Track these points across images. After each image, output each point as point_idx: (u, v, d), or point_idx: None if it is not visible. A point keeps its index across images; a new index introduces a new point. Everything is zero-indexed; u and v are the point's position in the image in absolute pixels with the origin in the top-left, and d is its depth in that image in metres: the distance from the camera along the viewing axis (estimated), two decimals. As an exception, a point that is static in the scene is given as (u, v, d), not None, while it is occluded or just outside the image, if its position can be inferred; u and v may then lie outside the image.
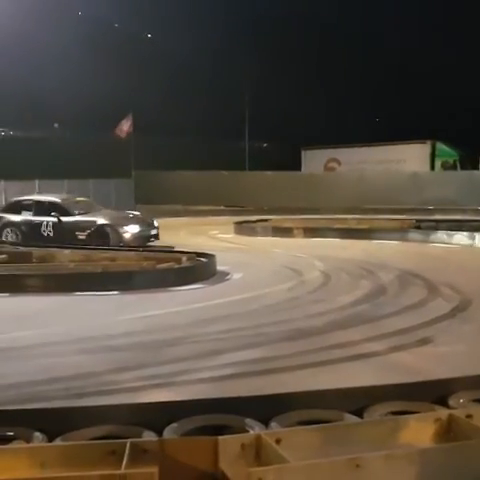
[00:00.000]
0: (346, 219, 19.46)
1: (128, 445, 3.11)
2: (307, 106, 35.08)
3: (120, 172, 26.73)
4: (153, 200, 25.77)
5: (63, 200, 15.39)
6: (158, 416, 3.72)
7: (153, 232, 14.95)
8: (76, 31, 28.43)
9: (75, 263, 10.81)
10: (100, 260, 11.13)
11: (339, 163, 32.95)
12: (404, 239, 15.64)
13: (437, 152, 30.87)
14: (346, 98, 34.62)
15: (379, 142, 31.30)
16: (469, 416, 3.51)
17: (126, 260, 11.23)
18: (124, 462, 2.96)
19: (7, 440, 3.43)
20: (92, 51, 29.13)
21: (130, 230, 14.37)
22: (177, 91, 33.24)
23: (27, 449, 3.22)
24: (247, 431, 3.59)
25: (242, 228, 18.15)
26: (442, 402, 4.00)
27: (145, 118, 28.26)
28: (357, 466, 2.91)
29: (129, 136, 26.79)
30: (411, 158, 30.12)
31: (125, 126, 26.53)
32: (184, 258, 11.06)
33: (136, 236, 14.33)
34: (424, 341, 6.38)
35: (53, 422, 3.58)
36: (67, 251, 11.88)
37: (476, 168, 27.73)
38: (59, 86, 25.96)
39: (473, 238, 14.81)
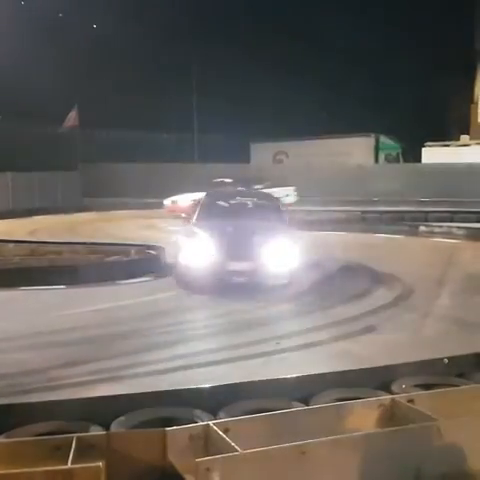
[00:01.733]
0: (294, 211, 19.65)
1: (74, 440, 3.08)
2: (256, 99, 35.21)
3: (66, 165, 26.21)
4: (101, 193, 25.39)
5: None
6: (105, 410, 3.70)
7: None
8: (19, 20, 27.60)
9: (20, 257, 10.57)
10: (46, 254, 10.91)
11: (287, 156, 33.23)
12: (349, 230, 15.93)
13: (380, 145, 31.53)
14: (294, 92, 34.91)
15: (325, 135, 31.70)
16: (411, 401, 3.63)
17: (73, 253, 11.05)
18: (70, 457, 2.93)
19: None
20: (36, 41, 28.40)
21: None
22: (123, 83, 32.75)
23: (-30, 447, 3.15)
24: (196, 422, 3.61)
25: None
26: (385, 388, 4.12)
27: (91, 110, 27.75)
28: (303, 453, 2.96)
29: (75, 128, 26.29)
30: (356, 151, 30.63)
31: (71, 118, 26.04)
32: (133, 251, 10.96)
33: None
34: (369, 329, 6.53)
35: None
36: (11, 245, 11.61)
37: (418, 161, 28.43)
38: (1, 77, 25.18)
39: (415, 228, 15.22)
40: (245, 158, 33.24)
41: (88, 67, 30.94)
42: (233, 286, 8.32)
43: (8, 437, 3.37)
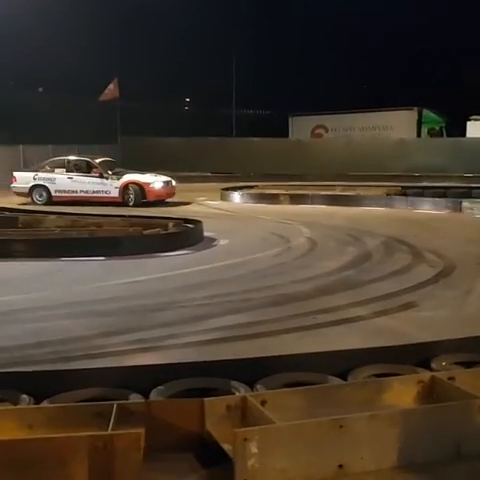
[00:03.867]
0: (333, 186, 19.46)
1: (115, 407, 3.14)
2: (294, 73, 34.77)
3: (106, 138, 26.42)
4: (140, 166, 25.55)
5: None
6: (145, 379, 3.76)
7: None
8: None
9: (61, 228, 10.75)
10: (86, 226, 11.07)
11: (326, 130, 32.78)
12: (390, 206, 15.70)
13: (424, 119, 30.79)
14: (333, 65, 34.30)
15: (366, 109, 31.12)
16: (451, 378, 3.58)
17: (112, 226, 11.17)
18: (111, 423, 2.99)
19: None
20: (75, 13, 28.48)
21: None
22: (164, 57, 32.69)
23: (14, 411, 3.24)
24: (233, 394, 3.64)
25: (229, 194, 18.09)
26: (425, 365, 4.07)
27: (132, 83, 27.83)
28: (340, 427, 2.96)
29: (115, 101, 26.40)
30: (398, 125, 30.01)
31: (111, 91, 26.14)
32: (171, 224, 11.03)
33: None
34: (408, 306, 6.46)
35: (40, 385, 3.61)
36: (53, 216, 11.80)
37: (462, 135, 27.70)
38: (42, 50, 25.40)
39: (458, 204, 14.90)
40: (285, 132, 32.96)
41: (130, 39, 30.88)
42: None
43: (51, 402, 3.46)
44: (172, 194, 17.02)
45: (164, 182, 16.92)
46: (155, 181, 16.72)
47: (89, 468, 2.78)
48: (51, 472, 2.74)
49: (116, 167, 17.52)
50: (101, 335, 5.51)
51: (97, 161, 16.94)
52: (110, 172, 16.69)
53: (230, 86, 34.52)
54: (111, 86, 26.13)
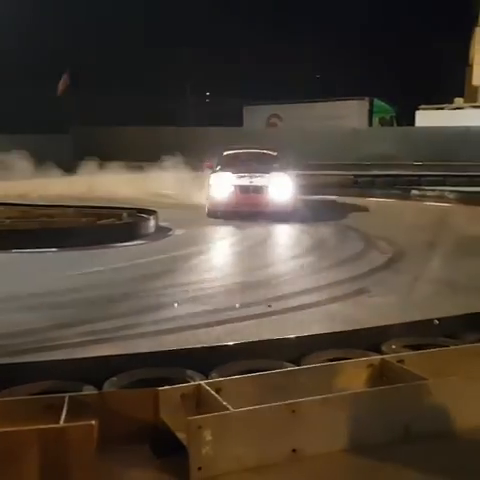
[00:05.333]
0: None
1: (67, 399, 3.10)
2: (249, 63, 34.77)
3: (59, 128, 25.92)
4: (94, 156, 25.15)
5: None
6: (98, 371, 3.72)
7: None
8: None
9: (11, 220, 10.52)
10: (38, 216, 10.86)
11: (280, 119, 32.91)
12: (342, 194, 15.89)
13: (375, 109, 31.26)
14: (289, 55, 34.45)
15: (319, 99, 31.37)
16: (400, 361, 3.66)
17: (65, 216, 11.00)
18: (62, 416, 2.95)
19: None
20: (27, 4, 27.74)
21: None
22: (115, 46, 32.19)
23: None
24: (188, 382, 3.64)
25: (186, 184, 17.97)
26: (376, 349, 4.16)
27: (84, 73, 27.36)
28: (293, 411, 3.00)
29: (67, 91, 25.92)
30: (350, 115, 30.35)
31: (63, 81, 25.67)
32: (125, 214, 10.93)
33: None
34: (360, 292, 6.57)
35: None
36: (1, 207, 11.53)
37: (411, 124, 28.23)
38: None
39: (408, 192, 15.21)
40: (239, 122, 32.92)
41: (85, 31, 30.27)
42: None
43: (1, 396, 3.39)
44: None
45: None
46: None
47: (41, 462, 2.74)
48: (1, 467, 2.69)
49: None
50: (55, 327, 5.41)
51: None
52: None
53: (183, 75, 34.30)
54: (64, 77, 25.64)
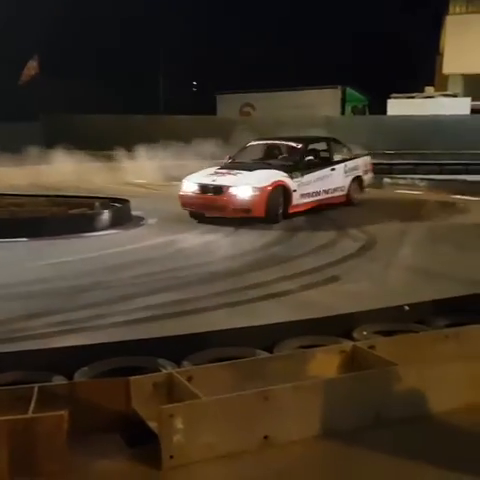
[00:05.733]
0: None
1: (36, 389, 3.06)
2: (222, 51, 34.57)
3: (27, 115, 25.46)
4: (65, 145, 24.79)
5: None
6: (68, 361, 3.68)
7: None
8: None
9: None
10: (6, 206, 10.68)
11: (254, 108, 32.83)
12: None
13: (347, 97, 31.38)
14: (263, 43, 34.33)
15: (292, 87, 31.37)
16: (371, 347, 3.70)
17: (35, 206, 10.83)
18: (32, 407, 2.92)
19: None
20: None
21: None
22: (87, 32, 31.68)
23: None
24: (160, 371, 3.62)
25: (157, 173, 17.87)
26: (347, 335, 4.19)
27: (53, 59, 26.87)
28: (265, 398, 3.01)
29: (36, 77, 25.46)
30: (322, 103, 30.42)
31: (31, 68, 25.19)
32: (97, 203, 10.80)
33: None
34: (333, 279, 6.61)
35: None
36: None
37: (383, 113, 28.40)
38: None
39: (379, 180, 15.32)
40: (212, 110, 32.75)
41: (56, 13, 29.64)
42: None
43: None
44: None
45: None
46: None
47: (10, 453, 2.71)
48: (-31, 459, 2.65)
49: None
50: (24, 318, 5.35)
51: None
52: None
53: (156, 62, 33.96)
54: (31, 63, 25.14)
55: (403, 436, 3.10)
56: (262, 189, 9.93)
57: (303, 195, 10.70)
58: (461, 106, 25.41)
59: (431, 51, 31.46)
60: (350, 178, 11.96)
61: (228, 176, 10.40)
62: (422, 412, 3.27)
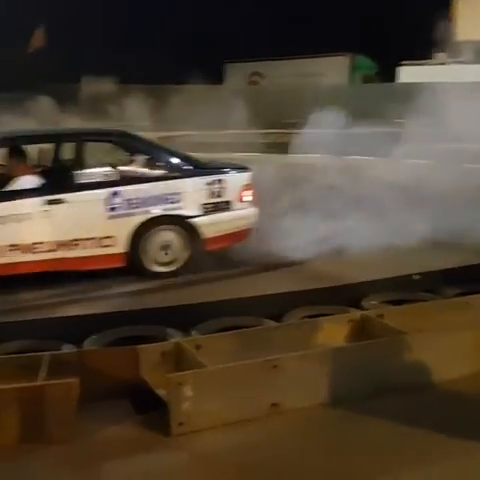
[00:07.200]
0: (270, 134, 19.31)
1: (46, 357, 3.08)
2: (228, 20, 33.93)
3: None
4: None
5: None
6: (77, 329, 3.70)
7: None
8: None
9: None
10: None
11: (262, 77, 32.43)
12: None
13: (357, 65, 30.91)
14: (271, 9, 33.69)
15: (300, 55, 30.87)
16: (380, 316, 3.69)
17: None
18: (43, 374, 2.93)
19: None
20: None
21: None
22: None
23: None
24: (168, 340, 3.63)
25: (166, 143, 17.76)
26: (356, 305, 4.18)
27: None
28: (274, 367, 3.01)
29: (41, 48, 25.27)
30: (331, 71, 30.01)
31: (37, 36, 25.00)
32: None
33: None
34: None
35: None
36: None
37: (392, 80, 27.96)
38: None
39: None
40: (218, 79, 32.29)
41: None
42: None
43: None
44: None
45: None
46: None
47: (21, 420, 2.74)
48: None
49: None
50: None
51: None
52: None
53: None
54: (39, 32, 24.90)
55: (412, 404, 3.11)
56: None
57: None
58: (474, 73, 24.98)
59: (441, 17, 30.77)
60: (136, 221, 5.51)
61: None
62: (431, 380, 3.27)
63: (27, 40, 25.19)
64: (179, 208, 5.56)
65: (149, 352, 3.26)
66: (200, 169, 5.82)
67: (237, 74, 32.47)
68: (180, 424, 2.83)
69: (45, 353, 3.19)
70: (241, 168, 6.12)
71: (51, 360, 3.09)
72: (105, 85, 26.20)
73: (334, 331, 3.62)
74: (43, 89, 23.51)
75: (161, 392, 3.01)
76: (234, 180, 5.87)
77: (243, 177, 5.96)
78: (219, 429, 2.88)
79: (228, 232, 5.76)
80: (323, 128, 11.36)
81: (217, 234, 5.68)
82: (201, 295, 4.91)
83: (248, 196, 5.89)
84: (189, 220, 5.57)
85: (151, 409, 3.02)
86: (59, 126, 11.33)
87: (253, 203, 5.94)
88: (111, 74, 26.96)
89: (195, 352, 3.25)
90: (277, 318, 4.01)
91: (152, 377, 3.17)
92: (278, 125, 21.62)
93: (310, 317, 3.95)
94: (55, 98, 22.39)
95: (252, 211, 5.92)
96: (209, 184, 5.72)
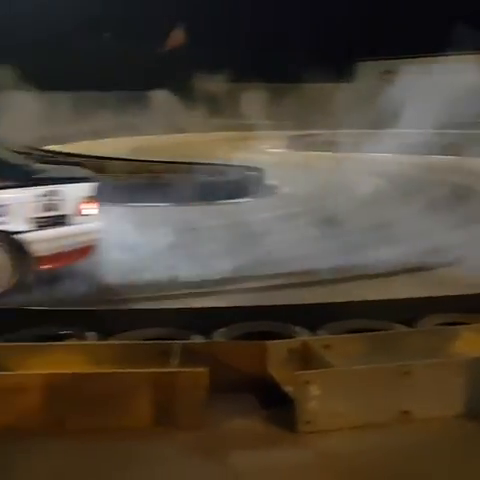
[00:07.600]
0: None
1: (179, 346, 3.18)
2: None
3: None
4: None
5: None
6: (208, 321, 3.78)
7: None
8: None
9: (124, 174, 10.87)
10: (147, 172, 11.17)
11: (395, 75, 31.43)
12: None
13: None
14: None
15: (441, 52, 29.52)
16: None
17: (173, 173, 11.21)
18: (175, 362, 3.03)
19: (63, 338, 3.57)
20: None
21: None
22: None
23: (82, 346, 3.34)
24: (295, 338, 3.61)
25: (294, 142, 17.76)
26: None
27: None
28: (406, 373, 2.90)
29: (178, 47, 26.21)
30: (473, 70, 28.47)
31: (175, 36, 25.96)
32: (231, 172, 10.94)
33: None
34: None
35: (106, 323, 3.69)
36: (117, 163, 11.96)
37: None
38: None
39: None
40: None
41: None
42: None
43: (117, 340, 3.53)
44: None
45: None
46: None
47: (153, 405, 2.84)
48: (116, 406, 2.81)
49: None
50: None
51: None
52: None
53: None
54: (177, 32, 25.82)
55: None
56: None
57: None
58: None
59: None
60: None
61: None
62: None
63: (159, 40, 26.16)
64: (3, 223, 4.89)
65: (277, 348, 3.27)
66: (31, 180, 5.17)
67: (369, 73, 31.79)
68: (307, 422, 2.81)
69: (177, 342, 3.30)
70: (82, 179, 5.52)
71: (183, 349, 3.19)
72: (253, 86, 26.47)
73: (471, 341, 3.42)
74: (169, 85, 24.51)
75: (288, 389, 3.00)
76: (72, 192, 5.25)
77: (83, 189, 5.34)
78: (346, 431, 2.82)
79: (66, 249, 5.13)
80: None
81: (53, 252, 5.04)
82: (332, 295, 4.85)
83: (89, 209, 5.31)
84: (16, 236, 4.90)
85: (277, 405, 3.02)
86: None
87: (97, 217, 5.34)
88: (253, 73, 27.32)
89: (323, 351, 3.21)
90: (407, 324, 3.86)
91: (279, 373, 3.17)
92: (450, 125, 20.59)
93: (443, 325, 3.77)
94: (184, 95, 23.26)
95: (94, 226, 5.31)
96: (41, 196, 5.08)
